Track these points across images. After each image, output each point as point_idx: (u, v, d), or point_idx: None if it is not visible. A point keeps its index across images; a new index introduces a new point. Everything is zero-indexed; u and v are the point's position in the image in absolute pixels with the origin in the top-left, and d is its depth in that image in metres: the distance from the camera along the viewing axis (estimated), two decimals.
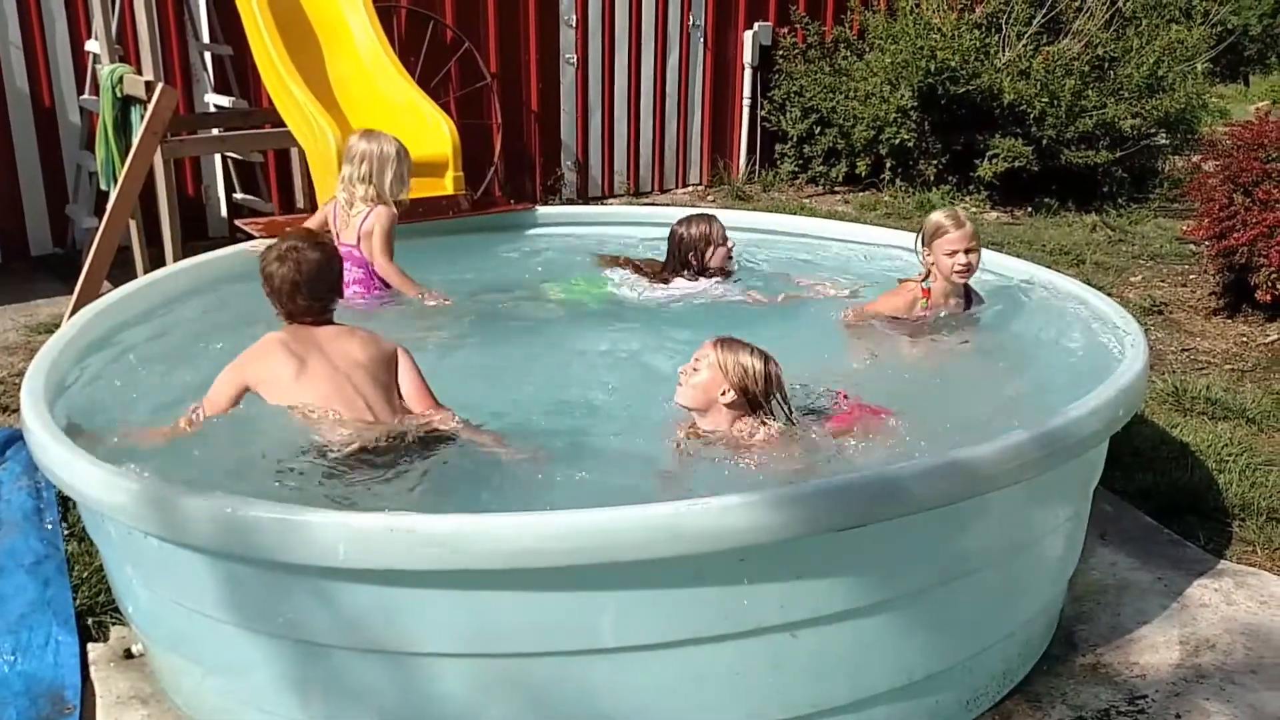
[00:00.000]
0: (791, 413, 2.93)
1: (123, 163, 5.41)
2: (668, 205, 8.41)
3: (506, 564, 2.12)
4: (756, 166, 9.41)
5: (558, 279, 4.50)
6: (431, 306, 4.07)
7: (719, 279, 4.39)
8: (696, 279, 4.37)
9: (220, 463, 2.72)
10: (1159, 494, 3.83)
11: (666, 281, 4.39)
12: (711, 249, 4.38)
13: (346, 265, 3.89)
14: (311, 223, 4.39)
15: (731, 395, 2.84)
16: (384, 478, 2.70)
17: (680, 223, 4.45)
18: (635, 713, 2.33)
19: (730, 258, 4.47)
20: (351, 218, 4.18)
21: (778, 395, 2.88)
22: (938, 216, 3.82)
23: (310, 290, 2.95)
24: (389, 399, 2.94)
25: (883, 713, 2.53)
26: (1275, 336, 5.64)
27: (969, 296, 3.95)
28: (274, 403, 2.85)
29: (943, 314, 3.88)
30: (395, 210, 4.20)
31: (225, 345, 3.67)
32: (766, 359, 2.86)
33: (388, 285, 4.17)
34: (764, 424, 2.84)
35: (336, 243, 4.11)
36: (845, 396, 3.13)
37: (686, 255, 4.40)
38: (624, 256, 4.64)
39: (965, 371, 3.59)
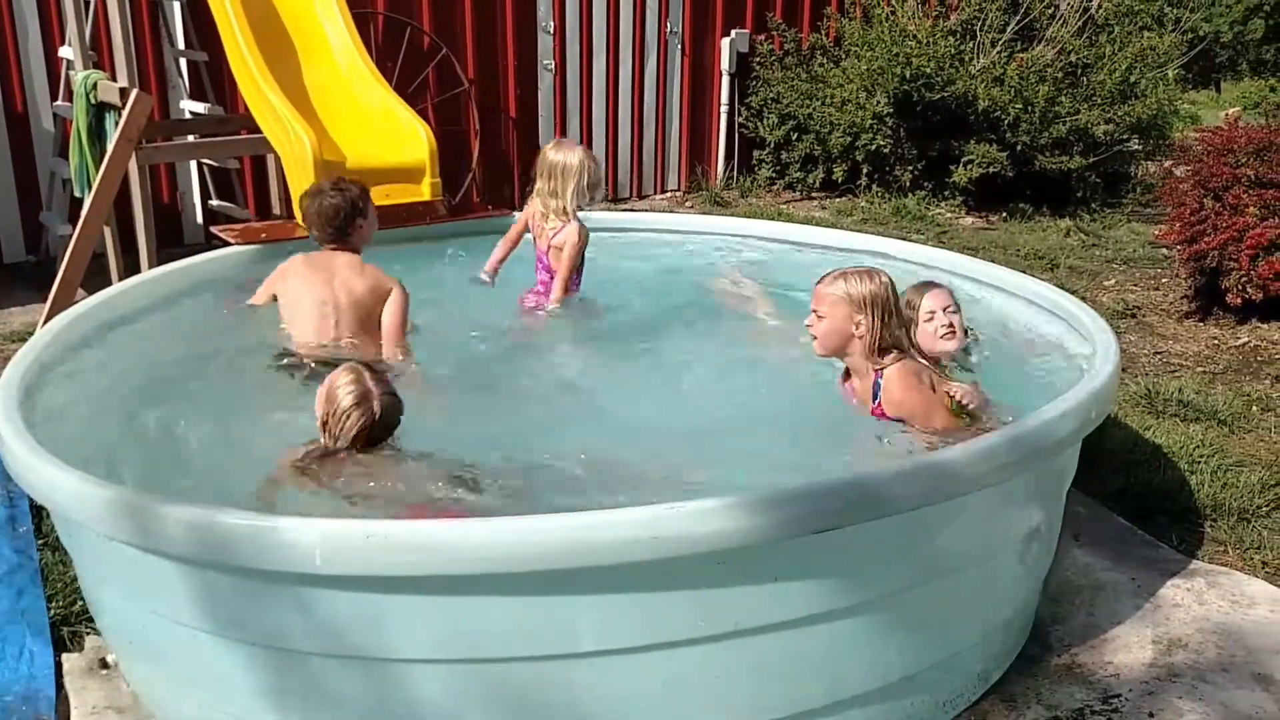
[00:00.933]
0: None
1: (97, 169, 5.38)
2: (646, 211, 8.43)
3: (484, 569, 2.12)
4: (734, 172, 9.44)
5: None
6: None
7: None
8: None
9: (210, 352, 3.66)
10: (1132, 496, 3.86)
11: None
12: (915, 327, 3.34)
13: (537, 269, 4.45)
14: (517, 224, 4.60)
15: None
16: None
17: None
18: (613, 715, 2.33)
19: (948, 337, 3.33)
20: (546, 230, 4.35)
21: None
22: None
23: (321, 224, 3.82)
24: (366, 326, 3.77)
25: (859, 714, 2.54)
26: (1246, 339, 5.71)
27: (877, 388, 3.12)
28: (281, 305, 3.82)
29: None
30: (584, 229, 4.35)
31: (200, 351, 3.68)
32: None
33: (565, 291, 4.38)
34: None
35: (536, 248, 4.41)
36: None
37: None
38: None
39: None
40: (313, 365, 3.57)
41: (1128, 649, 3.03)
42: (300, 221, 3.93)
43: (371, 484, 2.73)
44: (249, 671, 2.37)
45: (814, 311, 3.13)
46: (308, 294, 3.77)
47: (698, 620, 2.26)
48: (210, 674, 2.45)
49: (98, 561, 2.61)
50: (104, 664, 2.93)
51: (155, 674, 2.69)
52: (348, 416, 2.77)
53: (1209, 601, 3.25)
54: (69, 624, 3.05)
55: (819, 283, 3.14)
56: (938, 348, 3.34)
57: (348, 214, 3.82)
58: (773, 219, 7.51)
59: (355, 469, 2.77)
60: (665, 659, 2.30)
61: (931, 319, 3.33)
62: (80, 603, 3.04)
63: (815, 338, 3.15)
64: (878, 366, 3.07)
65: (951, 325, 3.34)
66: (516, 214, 5.42)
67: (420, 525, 2.15)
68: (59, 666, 2.89)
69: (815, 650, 2.40)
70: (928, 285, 3.48)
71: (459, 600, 2.18)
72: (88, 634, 3.03)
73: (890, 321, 3.05)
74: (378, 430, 2.80)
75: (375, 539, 2.09)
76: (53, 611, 3.07)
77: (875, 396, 3.08)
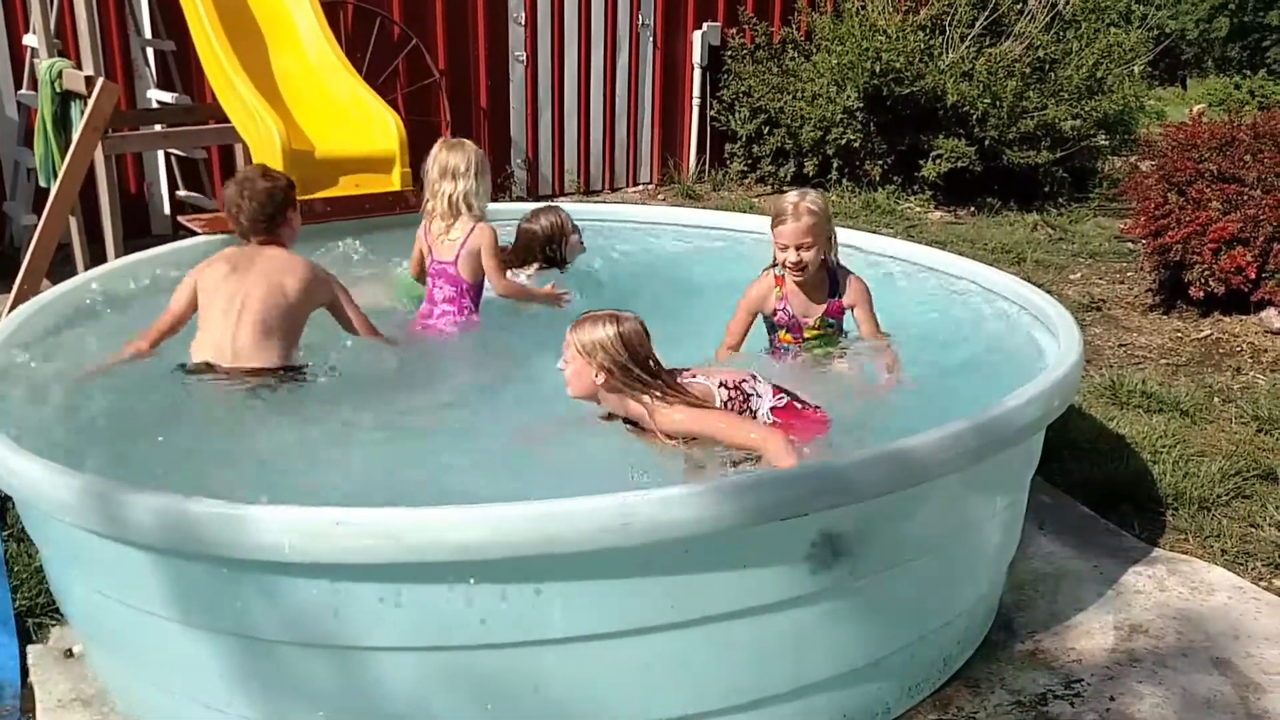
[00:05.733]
0: (659, 375, 2.84)
1: (62, 159, 5.32)
2: (619, 203, 8.43)
3: (452, 556, 2.13)
4: (706, 166, 9.46)
5: None
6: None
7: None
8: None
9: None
10: (1096, 485, 3.92)
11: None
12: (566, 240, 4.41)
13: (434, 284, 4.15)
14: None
15: (602, 376, 2.82)
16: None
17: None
18: (581, 703, 2.34)
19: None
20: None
21: (643, 357, 2.82)
22: (780, 202, 3.55)
23: (251, 214, 3.52)
24: (293, 325, 3.47)
25: (826, 699, 2.57)
26: (1208, 331, 5.79)
27: (833, 285, 3.64)
28: (201, 304, 3.45)
29: (809, 319, 3.64)
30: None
31: (166, 342, 3.64)
32: (618, 321, 2.82)
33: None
34: (664, 400, 2.80)
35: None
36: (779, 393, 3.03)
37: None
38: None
39: (905, 366, 3.64)
40: (224, 372, 3.32)
41: (1090, 635, 3.07)
42: (225, 212, 3.62)
43: None
44: (216, 660, 2.37)
45: (798, 248, 3.49)
46: (223, 291, 3.42)
47: (666, 607, 2.28)
48: (177, 663, 2.44)
49: (63, 550, 2.59)
50: (69, 654, 2.91)
51: (121, 663, 2.67)
52: (621, 334, 2.80)
53: (1170, 588, 3.31)
54: (34, 615, 3.03)
55: (792, 228, 3.48)
56: (579, 253, 4.45)
57: (280, 203, 3.56)
58: (744, 212, 7.54)
59: None
60: (633, 645, 2.31)
61: (577, 231, 4.41)
62: (46, 594, 3.02)
63: (805, 267, 3.51)
64: (831, 269, 3.64)
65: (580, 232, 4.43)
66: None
67: (389, 513, 2.14)
68: (24, 657, 2.87)
69: (782, 636, 2.42)
70: (555, 207, 4.43)
71: (428, 587, 2.19)
72: (53, 624, 3.01)
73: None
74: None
75: (344, 526, 2.09)
76: (18, 602, 3.04)
77: (834, 293, 3.63)
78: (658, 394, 2.81)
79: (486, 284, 4.11)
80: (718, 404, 2.88)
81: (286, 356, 3.41)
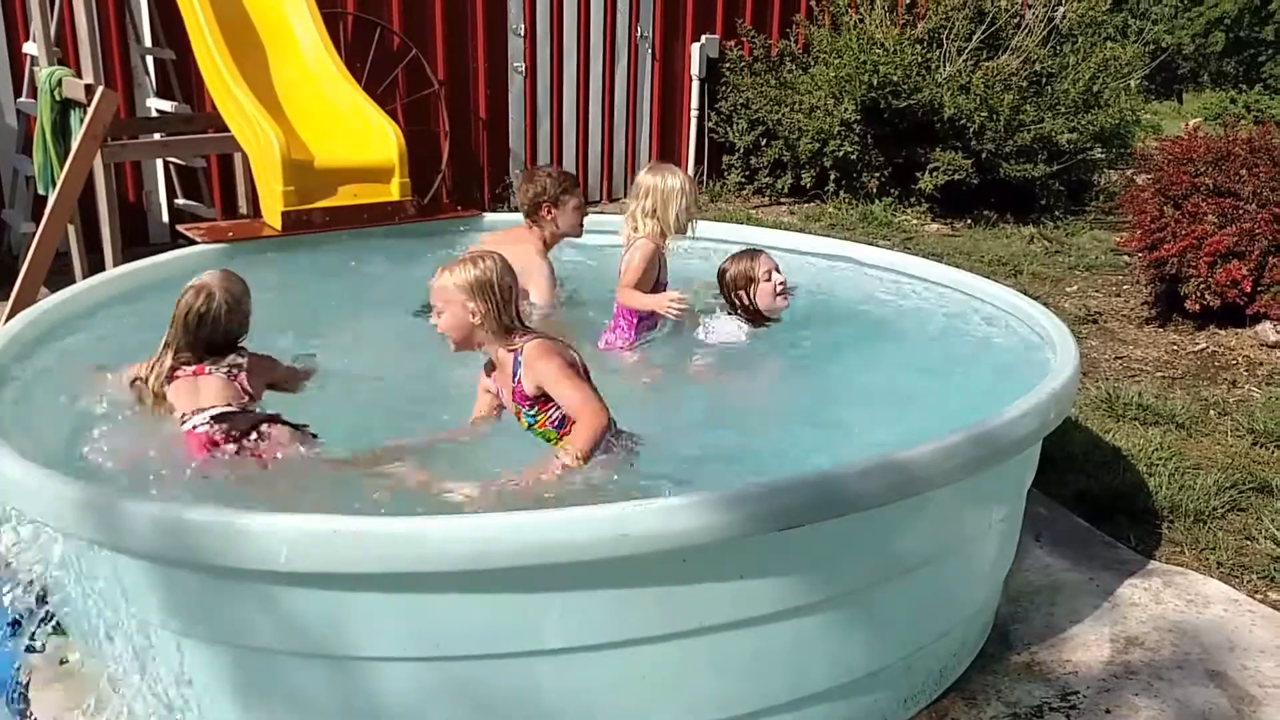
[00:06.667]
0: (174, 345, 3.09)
1: (61, 167, 5.33)
2: (616, 215, 8.43)
3: (450, 566, 2.12)
4: (704, 177, 9.48)
5: None
6: None
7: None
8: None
9: None
10: (1092, 497, 3.93)
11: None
12: (756, 286, 3.96)
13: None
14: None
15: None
16: None
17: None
18: (578, 712, 2.34)
19: (783, 293, 3.99)
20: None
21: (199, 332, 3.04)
22: None
23: (520, 200, 4.27)
24: None
25: (822, 711, 2.57)
26: (1204, 345, 5.81)
27: (516, 366, 2.94)
28: None
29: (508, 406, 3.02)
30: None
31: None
32: (198, 293, 3.06)
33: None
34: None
35: None
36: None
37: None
38: None
39: (903, 378, 3.65)
40: None
41: (1086, 647, 3.08)
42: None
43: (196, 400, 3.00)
44: (213, 670, 2.37)
45: (435, 310, 2.99)
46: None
47: (662, 617, 2.28)
48: (174, 673, 2.44)
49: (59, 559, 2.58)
50: (64, 663, 2.90)
51: (116, 673, 2.66)
52: (180, 298, 3.02)
53: (1165, 601, 3.31)
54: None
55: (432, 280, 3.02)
56: (777, 305, 3.99)
57: (534, 203, 4.22)
58: (742, 223, 7.56)
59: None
60: (630, 656, 2.31)
61: (770, 278, 3.94)
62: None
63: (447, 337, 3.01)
64: (512, 347, 2.93)
65: (784, 283, 3.99)
66: (487, 215, 5.42)
67: (387, 522, 2.15)
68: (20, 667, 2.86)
69: (779, 647, 2.43)
70: (755, 251, 4.03)
71: (425, 598, 2.19)
72: (50, 634, 2.99)
73: (505, 301, 2.91)
74: (211, 323, 3.04)
75: (342, 535, 2.09)
76: (13, 611, 3.03)
77: (515, 375, 2.92)
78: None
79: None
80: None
81: None
